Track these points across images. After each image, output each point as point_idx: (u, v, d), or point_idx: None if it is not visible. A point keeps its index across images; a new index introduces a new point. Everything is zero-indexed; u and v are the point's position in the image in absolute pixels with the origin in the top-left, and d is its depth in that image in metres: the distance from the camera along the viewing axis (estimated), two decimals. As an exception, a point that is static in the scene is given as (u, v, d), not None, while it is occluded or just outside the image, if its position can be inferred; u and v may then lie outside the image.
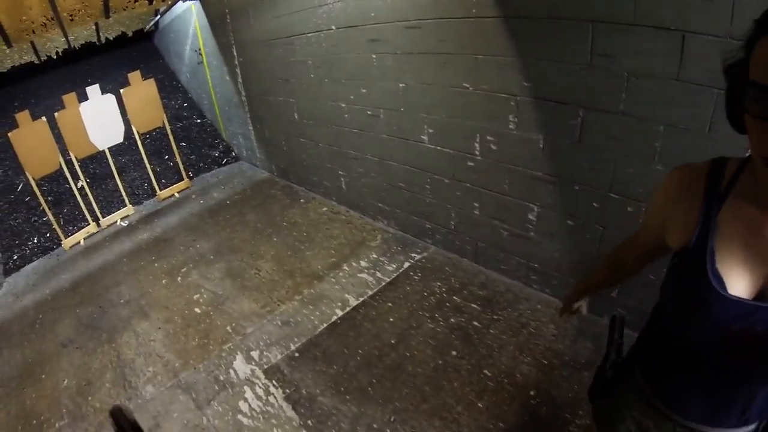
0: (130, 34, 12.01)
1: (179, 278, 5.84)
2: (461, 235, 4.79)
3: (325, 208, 6.57)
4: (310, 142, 6.53)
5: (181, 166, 8.88)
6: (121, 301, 5.68)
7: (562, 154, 3.57)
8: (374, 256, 5.27)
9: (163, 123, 8.48)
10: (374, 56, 4.80)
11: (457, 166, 4.45)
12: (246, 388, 3.99)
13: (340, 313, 4.56)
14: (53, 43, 10.46)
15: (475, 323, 4.10)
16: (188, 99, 10.95)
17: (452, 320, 4.18)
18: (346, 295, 4.75)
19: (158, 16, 10.91)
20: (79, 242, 7.70)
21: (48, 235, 7.91)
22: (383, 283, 4.81)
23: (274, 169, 8.07)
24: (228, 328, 4.75)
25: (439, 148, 4.54)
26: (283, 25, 6.00)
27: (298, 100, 6.41)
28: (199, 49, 9.11)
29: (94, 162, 8.89)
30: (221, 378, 4.15)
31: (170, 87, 10.94)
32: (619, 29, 2.91)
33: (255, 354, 4.32)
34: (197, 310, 5.15)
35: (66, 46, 10.88)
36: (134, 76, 8.13)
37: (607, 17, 2.95)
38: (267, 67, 6.82)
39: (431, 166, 4.73)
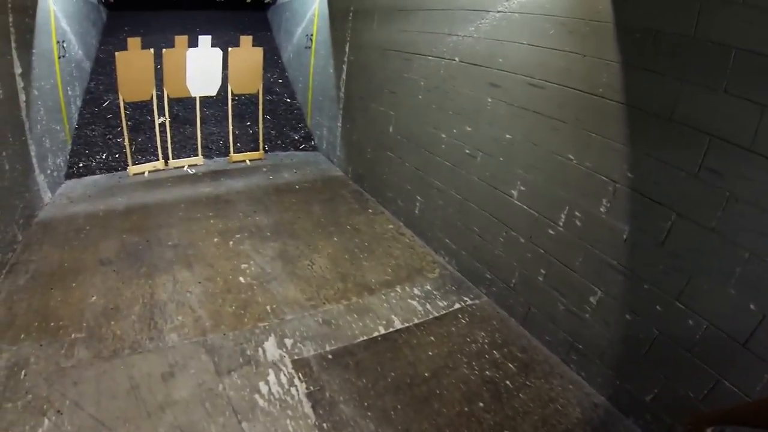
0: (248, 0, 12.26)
1: (231, 243, 5.84)
2: (518, 295, 4.69)
3: (391, 226, 6.53)
4: (397, 159, 6.53)
5: (261, 137, 8.95)
6: (169, 243, 5.72)
7: (642, 251, 3.51)
8: (428, 287, 5.19)
9: (258, 91, 8.57)
10: (489, 100, 4.78)
11: (537, 230, 4.38)
12: (271, 371, 3.94)
13: (382, 330, 4.49)
14: None
15: (508, 383, 3.99)
16: (284, 77, 11.10)
17: (487, 372, 4.08)
18: (393, 316, 4.68)
19: None
20: (143, 173, 7.86)
21: (117, 156, 8.09)
22: (431, 316, 4.72)
23: (351, 171, 8.08)
24: (268, 307, 4.71)
25: (525, 207, 4.48)
26: (407, 40, 6.03)
27: (398, 116, 6.41)
28: (311, 35, 9.23)
29: (181, 104, 9.07)
30: (248, 353, 4.11)
31: (270, 61, 11.03)
32: (734, 150, 2.88)
33: (288, 342, 4.27)
34: (242, 279, 5.13)
35: None
36: (246, 40, 8.42)
37: (725, 135, 2.92)
38: (376, 74, 6.85)
39: (512, 221, 4.67)
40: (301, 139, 9.61)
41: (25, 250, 5.42)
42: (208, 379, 3.80)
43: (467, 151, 5.16)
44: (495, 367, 4.17)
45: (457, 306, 4.92)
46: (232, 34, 9.34)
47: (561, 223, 4.14)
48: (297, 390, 3.77)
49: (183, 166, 8.24)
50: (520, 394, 3.91)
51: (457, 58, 5.18)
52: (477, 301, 5.01)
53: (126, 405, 3.48)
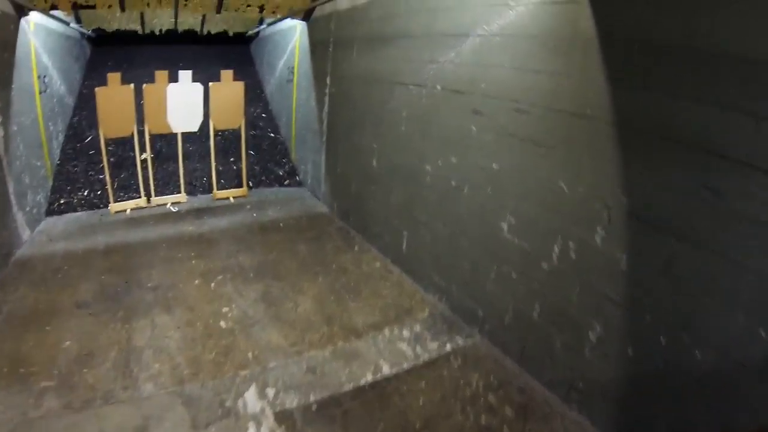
0: (231, 34, 12.42)
1: (213, 284, 5.63)
2: (512, 333, 4.46)
3: (378, 263, 6.30)
4: (382, 193, 6.33)
5: (244, 174, 8.80)
6: (149, 285, 5.52)
7: (642, 281, 3.29)
8: (418, 329, 4.96)
9: (240, 127, 8.51)
10: (474, 128, 4.61)
11: (529, 264, 4.17)
12: (251, 424, 3.69)
13: (370, 377, 4.23)
14: (160, 20, 10.86)
15: (506, 430, 3.74)
16: (267, 111, 11.05)
17: (483, 420, 3.83)
18: (381, 361, 4.43)
19: (263, 26, 11.33)
20: (125, 211, 7.74)
21: (99, 192, 7.99)
22: (421, 360, 4.48)
23: (336, 207, 7.87)
24: (250, 354, 4.47)
25: (516, 240, 4.28)
26: (388, 69, 5.91)
27: (382, 147, 6.24)
28: (293, 67, 9.19)
29: (164, 140, 8.93)
30: (228, 404, 3.87)
31: (254, 95, 10.99)
32: (735, 166, 2.71)
33: (270, 392, 4.02)
34: (223, 324, 4.91)
35: (171, 27, 11.36)
36: (226, 74, 8.28)
37: (723, 150, 2.75)
38: (358, 106, 6.72)
39: (503, 255, 4.45)
40: (285, 175, 9.45)
41: (0, 290, 5.25)
42: None
43: (453, 183, 4.97)
44: (491, 412, 3.92)
45: (448, 347, 4.69)
46: (215, 69, 9.29)
47: (555, 255, 3.92)
48: None
49: (166, 204, 8.10)
50: (520, 443, 3.67)
51: (439, 86, 5.04)
52: (470, 341, 4.78)
53: (94, 464, 3.21)
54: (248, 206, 8.18)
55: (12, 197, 6.10)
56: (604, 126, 3.42)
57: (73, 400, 3.76)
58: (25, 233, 6.54)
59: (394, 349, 4.64)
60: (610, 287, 3.50)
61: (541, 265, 4.04)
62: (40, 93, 7.60)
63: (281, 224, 7.44)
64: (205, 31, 11.97)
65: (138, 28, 11.30)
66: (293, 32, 9.20)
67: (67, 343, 4.44)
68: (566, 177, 3.77)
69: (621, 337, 3.49)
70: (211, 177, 8.65)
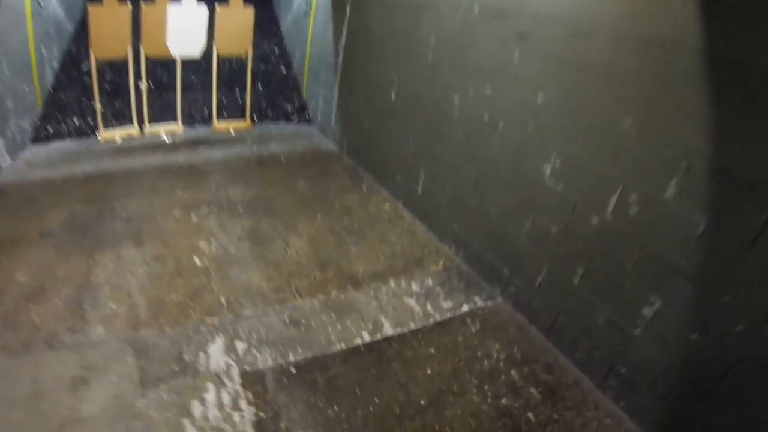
0: None
1: (195, 217, 4.79)
2: (544, 299, 3.60)
3: (388, 206, 5.36)
4: (399, 129, 5.39)
5: (248, 106, 7.91)
6: (123, 215, 4.79)
7: (724, 252, 2.52)
8: (430, 283, 4.05)
9: (247, 54, 7.59)
10: (516, 55, 3.70)
11: (575, 217, 3.29)
12: (211, 385, 2.89)
13: (367, 337, 3.35)
14: None
15: (530, 415, 2.92)
16: (282, 47, 10.07)
17: (504, 401, 2.99)
18: (382, 318, 3.55)
19: None
20: (115, 140, 7.00)
21: (91, 122, 7.22)
22: (431, 321, 3.59)
23: (346, 145, 6.92)
24: (222, 298, 3.64)
25: (560, 187, 3.39)
26: None
27: (403, 79, 5.28)
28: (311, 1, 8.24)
29: (164, 69, 8.00)
30: (186, 357, 3.08)
31: (269, 31, 10.06)
32: None
33: (241, 346, 3.19)
34: (197, 261, 4.09)
35: None
36: None
37: None
38: (378, 34, 5.77)
39: (541, 205, 3.56)
40: (294, 111, 8.51)
41: None
42: (129, 391, 2.81)
43: (486, 117, 4.04)
44: (514, 393, 3.09)
45: (465, 308, 3.80)
46: None
47: (609, 210, 3.06)
48: (242, 416, 2.70)
49: (160, 134, 7.25)
50: (546, 432, 2.83)
51: (476, 7, 4.08)
52: (490, 303, 3.89)
53: (21, 418, 2.62)
54: (249, 139, 7.29)
55: None
56: (692, 55, 2.59)
57: (11, 342, 3.13)
58: (5, 160, 5.88)
59: (400, 304, 3.75)
60: (678, 255, 2.72)
61: (590, 220, 3.19)
62: (33, 14, 6.83)
63: (283, 159, 6.51)
64: None
65: None
66: None
67: (20, 275, 3.77)
68: (634, 116, 2.93)
69: (685, 318, 2.73)
70: (212, 108, 7.81)
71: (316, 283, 3.88)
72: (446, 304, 3.79)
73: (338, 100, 6.98)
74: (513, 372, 3.22)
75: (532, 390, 3.09)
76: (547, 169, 3.48)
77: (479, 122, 4.13)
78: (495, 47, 3.93)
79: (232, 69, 8.44)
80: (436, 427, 2.75)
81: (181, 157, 6.34)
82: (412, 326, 3.49)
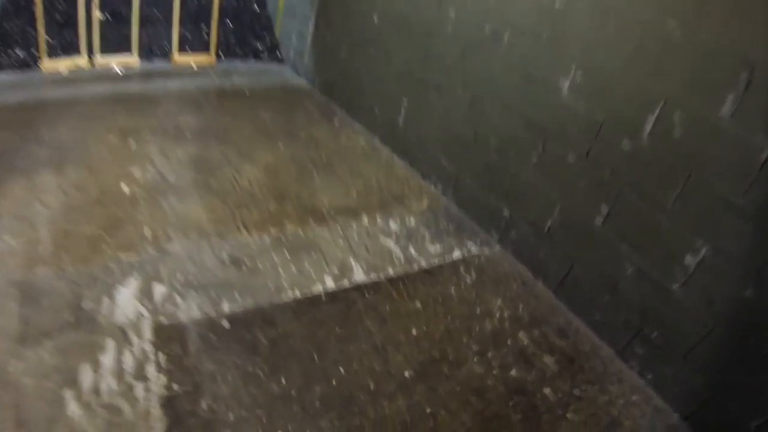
0: None
1: (133, 142, 3.91)
2: (553, 246, 2.83)
3: (362, 140, 4.49)
4: (380, 55, 4.51)
5: (213, 41, 6.95)
6: (49, 141, 3.89)
7: None
8: (412, 222, 3.23)
9: None
10: None
11: (600, 142, 2.53)
12: (111, 343, 2.08)
13: (331, 284, 2.53)
14: None
15: (547, 391, 2.18)
16: None
17: (513, 373, 2.24)
18: (352, 260, 2.72)
19: None
20: (59, 70, 6.06)
21: (35, 53, 6.31)
22: (415, 267, 2.77)
23: (319, 81, 6.00)
24: (147, 230, 2.80)
25: (582, 106, 2.62)
26: None
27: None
28: None
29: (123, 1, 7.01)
30: (84, 306, 2.26)
31: None
32: None
33: (159, 290, 2.36)
34: (125, 188, 3.24)
35: None
36: None
37: None
38: None
39: (557, 129, 2.78)
40: (264, 50, 7.52)
41: None
42: (1, 348, 1.99)
43: (488, 30, 3.23)
44: (525, 361, 2.34)
45: (457, 254, 2.98)
46: None
47: (645, 132, 2.36)
48: (147, 388, 1.89)
49: (111, 65, 6.26)
50: (568, 414, 2.12)
51: None
52: (487, 251, 3.10)
53: None
54: (211, 73, 6.40)
55: None
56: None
57: None
58: None
59: (375, 245, 2.93)
60: (734, 189, 2.10)
61: (620, 145, 2.46)
62: None
63: (246, 92, 5.59)
64: None
65: None
66: None
67: None
68: (680, 16, 2.25)
69: (738, 269, 2.11)
70: (171, 41, 6.84)
71: (269, 216, 3.05)
72: (433, 249, 2.97)
73: (313, 32, 6.07)
74: (521, 335, 2.43)
75: (546, 359, 2.33)
76: (565, 85, 2.69)
77: (479, 36, 3.33)
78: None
79: (199, 3, 7.49)
80: (428, 410, 1.95)
81: (132, 88, 5.45)
82: (391, 272, 2.67)
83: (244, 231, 2.82)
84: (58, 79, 5.78)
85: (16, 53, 6.37)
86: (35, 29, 6.30)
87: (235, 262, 2.54)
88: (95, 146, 3.80)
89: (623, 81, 2.43)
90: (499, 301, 2.62)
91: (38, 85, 5.53)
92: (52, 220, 2.84)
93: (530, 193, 2.94)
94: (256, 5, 8.26)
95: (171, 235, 2.70)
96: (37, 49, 6.23)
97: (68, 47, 6.46)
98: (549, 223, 2.80)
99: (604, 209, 2.50)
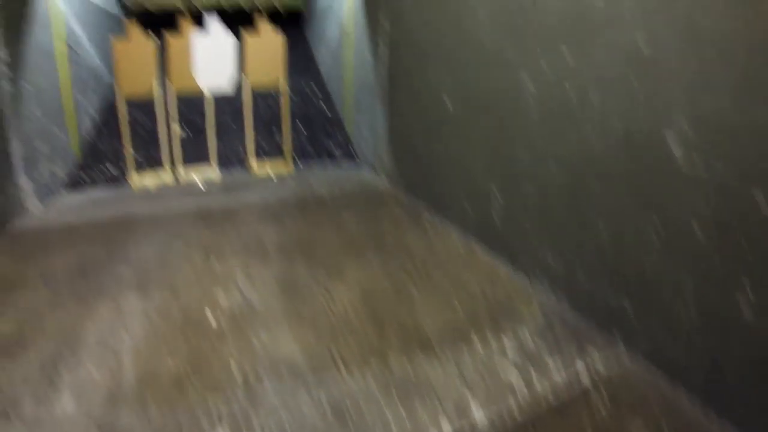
0: (281, 11, 11.47)
1: (216, 261, 3.74)
2: (692, 343, 2.33)
3: (457, 242, 4.12)
4: (459, 141, 4.23)
5: (286, 145, 6.97)
6: (133, 258, 3.92)
7: None
8: (527, 335, 2.81)
9: (280, 84, 6.76)
10: None
11: (728, 204, 2.08)
12: None
13: (448, 428, 2.09)
14: None
15: None
16: (319, 80, 9.37)
17: None
18: (468, 396, 2.31)
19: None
20: (148, 185, 6.38)
21: (124, 168, 6.66)
22: (541, 398, 2.34)
23: (399, 177, 5.72)
24: (234, 367, 2.51)
25: (697, 162, 2.20)
26: None
27: (455, 76, 4.16)
28: (344, 26, 7.52)
29: (192, 107, 7.31)
30: None
31: (303, 67, 9.41)
32: None
33: None
34: (210, 316, 3.02)
35: (214, 2, 10.63)
36: (263, 23, 6.65)
37: None
38: (421, 37, 4.76)
39: (671, 195, 2.35)
40: (338, 148, 7.54)
41: None
42: None
43: (570, 92, 2.88)
44: None
45: (580, 366, 2.56)
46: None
47: None
48: None
49: (194, 180, 6.47)
50: None
51: None
52: (612, 359, 2.65)
53: None
54: (290, 181, 6.31)
55: (16, 161, 5.12)
56: None
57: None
58: (32, 204, 5.41)
59: (492, 373, 2.52)
60: None
61: (753, 203, 1.97)
62: (69, 60, 6.57)
63: (327, 199, 5.40)
64: (251, 5, 11.02)
65: (180, 4, 10.57)
66: None
67: (4, 324, 3.07)
68: None
69: None
70: (248, 148, 6.94)
71: (369, 347, 2.69)
72: (553, 364, 2.54)
73: (385, 125, 5.94)
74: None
75: None
76: (672, 141, 2.29)
77: (563, 103, 2.96)
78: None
79: (268, 106, 7.68)
80: None
81: (213, 202, 5.42)
82: (513, 406, 2.24)
83: (343, 368, 2.48)
84: (144, 195, 5.96)
85: (107, 169, 6.77)
86: (123, 146, 6.53)
87: (338, 411, 2.17)
88: (179, 266, 3.70)
89: (741, 123, 1.99)
90: (638, 421, 2.17)
91: (127, 201, 5.70)
92: (136, 351, 2.67)
93: (655, 280, 2.48)
94: (323, 103, 8.39)
95: (261, 375, 2.39)
96: (126, 165, 6.52)
97: (153, 162, 6.91)
98: (682, 314, 2.33)
99: (748, 287, 2.01)
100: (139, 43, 6.19)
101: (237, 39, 6.52)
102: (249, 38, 6.45)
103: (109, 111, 7.99)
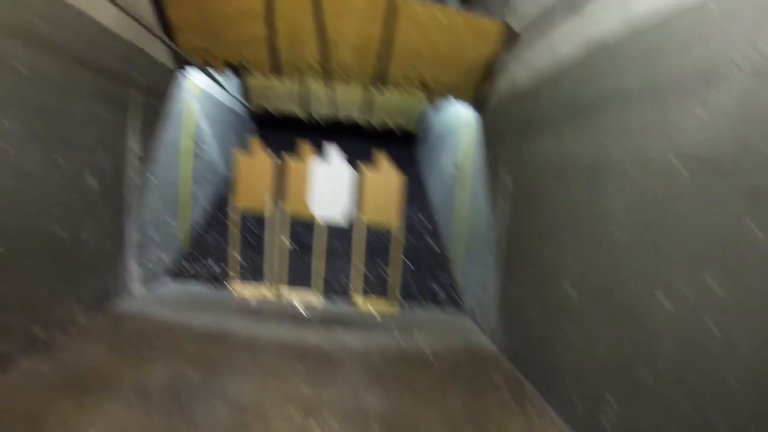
0: (397, 131, 11.86)
1: (314, 425, 3.50)
2: None
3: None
4: (575, 333, 3.90)
5: (394, 285, 6.83)
6: (231, 396, 3.77)
7: None
8: None
9: (394, 224, 6.73)
10: (754, 225, 2.34)
11: None
12: None
13: None
14: (320, 103, 10.50)
15: None
16: (429, 216, 9.31)
17: None
18: None
19: (428, 123, 10.70)
20: (248, 296, 6.51)
21: (228, 271, 6.89)
22: None
23: (507, 346, 5.36)
24: None
25: None
26: (588, 150, 3.88)
27: (581, 266, 3.88)
28: (459, 163, 7.55)
29: (306, 229, 7.37)
30: None
31: (414, 196, 9.32)
32: None
33: None
34: None
35: (331, 113, 11.01)
36: (381, 158, 6.71)
37: None
38: (547, 206, 4.55)
39: None
40: (444, 294, 7.26)
41: (71, 335, 4.34)
42: None
43: (713, 326, 2.53)
44: None
45: None
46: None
47: None
48: None
49: (295, 301, 6.47)
50: None
51: (677, 161, 2.85)
52: None
53: None
54: (393, 327, 6.02)
55: (129, 246, 5.52)
56: None
57: None
58: (137, 288, 5.79)
59: None
60: None
61: None
62: (194, 156, 7.34)
63: (432, 359, 5.09)
64: (367, 122, 11.30)
65: (299, 111, 11.09)
66: (460, 123, 7.71)
67: None
68: None
69: None
70: (354, 281, 6.86)
71: None
72: None
73: (498, 287, 5.67)
74: None
75: None
76: None
77: (701, 334, 2.60)
78: (716, 217, 2.57)
79: (376, 238, 7.59)
80: None
81: (313, 337, 5.28)
82: None
83: None
84: (243, 306, 6.04)
85: (211, 267, 7.05)
86: (229, 249, 6.86)
87: None
88: (275, 421, 3.49)
89: None
90: None
91: (226, 310, 5.81)
92: None
93: None
94: (435, 245, 8.23)
95: None
96: (229, 267, 6.74)
97: (256, 272, 6.93)
98: None
99: None
100: (259, 160, 6.48)
101: (355, 171, 6.59)
102: (368, 173, 6.50)
103: (220, 205, 8.44)
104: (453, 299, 7.15)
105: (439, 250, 8.22)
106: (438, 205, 9.08)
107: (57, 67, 4.01)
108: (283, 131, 11.33)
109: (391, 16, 5.50)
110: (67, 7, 4.01)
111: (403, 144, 12.03)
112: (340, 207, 6.53)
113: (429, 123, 10.88)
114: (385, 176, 6.58)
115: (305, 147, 6.53)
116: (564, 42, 4.36)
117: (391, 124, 11.22)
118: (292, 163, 6.47)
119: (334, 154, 6.56)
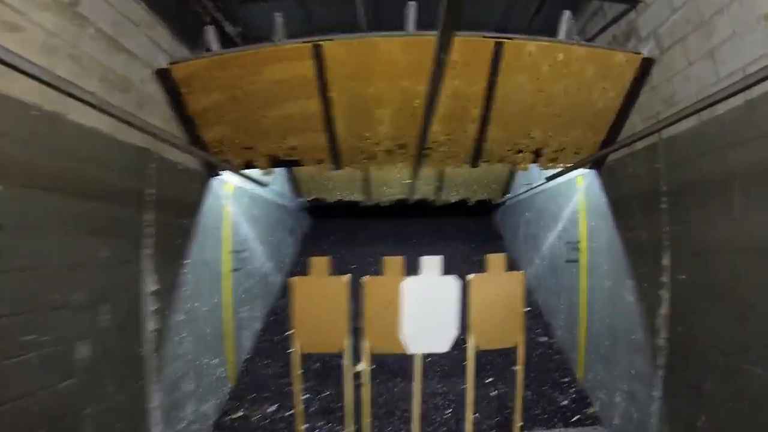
0: (471, 203, 10.00)
1: None
2: None
3: None
4: None
5: (518, 411, 4.79)
6: None
7: None
8: None
9: (517, 346, 4.63)
10: None
11: None
12: None
13: None
14: (389, 187, 9.18)
15: None
16: (533, 303, 7.33)
17: None
18: None
19: (519, 190, 8.66)
20: None
21: (290, 412, 5.26)
22: None
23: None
24: None
25: None
26: None
27: None
28: (576, 242, 5.75)
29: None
30: None
31: None
32: None
33: None
34: None
35: (402, 196, 9.48)
36: (496, 261, 4.64)
37: None
38: (751, 302, 3.05)
39: None
40: (571, 404, 5.44)
41: None
42: None
43: None
44: None
45: None
46: (460, 249, 7.28)
47: None
48: None
49: None
50: None
51: None
52: None
53: None
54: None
55: (153, 412, 4.08)
56: None
57: None
58: None
59: None
60: None
61: None
62: (233, 271, 5.78)
63: None
64: (440, 200, 9.70)
65: (361, 197, 9.56)
66: (569, 189, 6.01)
67: None
68: None
69: None
70: (461, 409, 5.02)
71: None
72: None
73: (664, 406, 3.99)
74: None
75: None
76: None
77: None
78: None
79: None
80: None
81: None
82: None
83: None
84: None
85: (268, 408, 5.52)
86: (289, 381, 5.22)
87: None
88: None
89: None
90: None
91: None
92: None
93: None
94: (539, 334, 6.59)
95: None
96: (293, 411, 4.90)
97: (329, 413, 5.40)
98: None
99: None
100: (326, 284, 4.54)
101: (460, 282, 4.58)
102: (476, 281, 4.55)
103: (274, 322, 7.09)
104: (583, 411, 5.33)
105: (554, 351, 6.37)
106: (545, 293, 7.31)
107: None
108: (343, 218, 10.17)
109: (495, 65, 3.98)
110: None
111: (477, 213, 10.47)
112: (444, 335, 4.56)
113: (518, 187, 8.91)
114: (502, 284, 4.66)
115: (392, 262, 4.58)
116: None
117: (468, 198, 9.75)
118: (370, 282, 4.53)
119: (433, 267, 4.59)
